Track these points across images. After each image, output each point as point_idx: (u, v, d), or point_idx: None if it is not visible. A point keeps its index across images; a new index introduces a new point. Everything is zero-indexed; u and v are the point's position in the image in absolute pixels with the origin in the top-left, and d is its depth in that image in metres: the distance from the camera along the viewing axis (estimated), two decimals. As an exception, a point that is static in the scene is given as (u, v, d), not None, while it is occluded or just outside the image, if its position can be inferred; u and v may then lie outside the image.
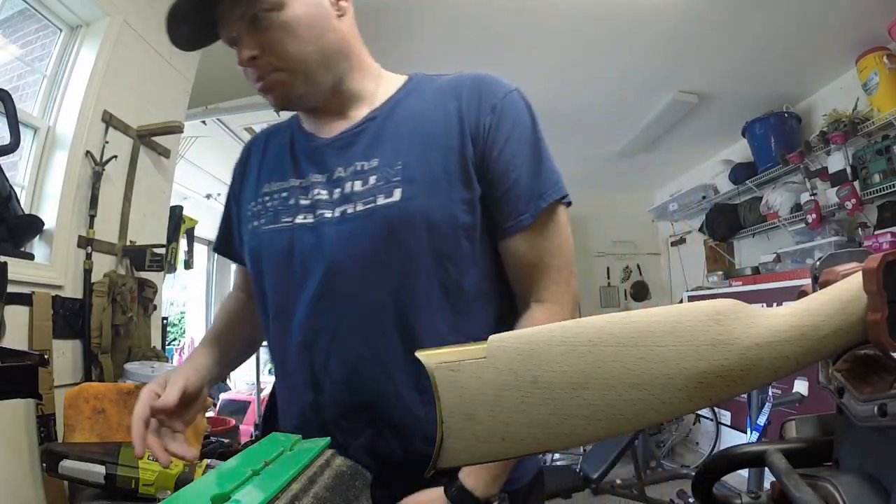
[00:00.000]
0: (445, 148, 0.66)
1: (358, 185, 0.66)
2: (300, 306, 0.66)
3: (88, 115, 1.72)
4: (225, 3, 0.64)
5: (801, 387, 2.35)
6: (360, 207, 0.64)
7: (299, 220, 0.68)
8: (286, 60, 0.66)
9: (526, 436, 0.38)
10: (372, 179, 0.65)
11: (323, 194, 0.67)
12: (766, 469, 0.38)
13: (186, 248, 3.05)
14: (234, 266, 0.90)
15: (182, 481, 1.04)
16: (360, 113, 0.72)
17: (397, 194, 0.63)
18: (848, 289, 0.35)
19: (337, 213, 0.65)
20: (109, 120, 1.80)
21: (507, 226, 0.68)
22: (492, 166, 0.67)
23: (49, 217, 1.62)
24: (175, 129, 2.02)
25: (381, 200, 0.64)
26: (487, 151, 0.67)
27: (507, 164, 0.67)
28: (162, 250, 1.95)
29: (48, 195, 1.66)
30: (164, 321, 2.21)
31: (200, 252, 5.35)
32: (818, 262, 0.41)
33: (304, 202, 0.68)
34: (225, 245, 0.85)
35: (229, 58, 0.71)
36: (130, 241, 1.91)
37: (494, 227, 0.68)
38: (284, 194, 0.71)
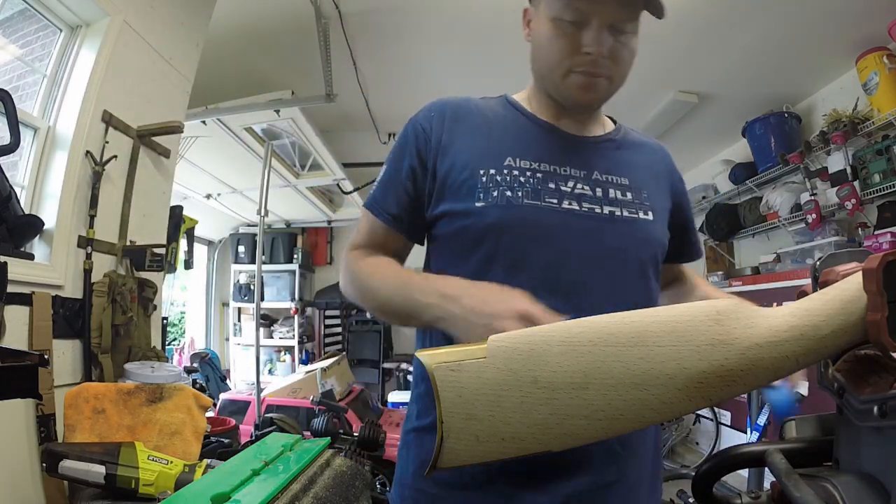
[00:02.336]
0: (663, 192, 0.83)
1: (619, 194, 0.76)
2: (578, 286, 0.70)
3: (88, 115, 1.72)
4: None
5: (801, 387, 2.35)
6: (626, 214, 0.75)
7: (566, 205, 0.72)
8: (616, 79, 0.76)
9: (526, 436, 0.38)
10: (629, 195, 0.77)
11: (585, 189, 0.74)
12: (766, 469, 0.38)
13: (186, 248, 3.05)
14: (367, 232, 0.82)
15: (182, 481, 1.04)
16: (593, 127, 0.83)
17: (651, 215, 0.77)
18: (848, 289, 0.35)
19: (605, 212, 0.74)
20: (109, 120, 1.80)
21: (690, 256, 0.94)
22: (680, 216, 0.87)
23: (49, 217, 1.62)
24: (175, 129, 2.02)
25: (641, 215, 0.76)
26: (679, 205, 0.86)
27: (689, 218, 0.91)
28: (162, 250, 1.95)
29: (48, 195, 1.66)
30: (164, 321, 2.21)
31: (200, 252, 5.36)
32: (818, 262, 0.41)
33: (564, 189, 0.73)
34: (392, 202, 0.78)
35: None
36: (130, 241, 1.91)
37: (675, 254, 0.87)
38: (540, 175, 0.73)
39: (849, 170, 2.82)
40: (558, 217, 0.71)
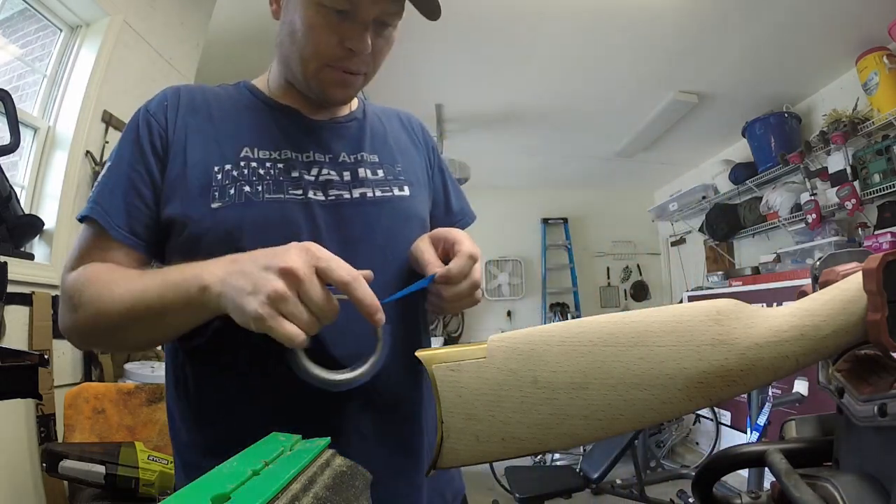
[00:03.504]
0: (417, 161, 0.79)
1: (369, 174, 0.71)
2: None
3: (88, 115, 1.72)
4: None
5: (801, 387, 2.35)
6: (378, 194, 0.70)
7: (311, 195, 0.65)
8: (371, 74, 0.69)
9: (526, 436, 0.38)
10: (380, 172, 0.72)
11: (331, 174, 0.68)
12: (766, 469, 0.38)
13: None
14: (86, 242, 0.64)
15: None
16: (338, 109, 0.75)
17: (407, 190, 0.73)
18: (848, 289, 0.35)
19: (356, 195, 0.68)
20: (109, 120, 1.80)
21: (456, 222, 0.83)
22: (437, 181, 0.83)
23: (49, 217, 1.63)
24: (175, 129, 2.02)
25: (396, 191, 0.71)
26: (433, 166, 0.83)
27: (446, 188, 0.84)
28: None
29: (48, 195, 1.67)
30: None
31: (200, 252, 5.36)
32: (818, 262, 0.41)
33: (308, 177, 0.66)
34: (126, 211, 0.62)
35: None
36: (130, 241, 1.91)
37: (444, 224, 0.78)
38: (281, 165, 0.66)
39: (849, 170, 2.82)
40: (305, 210, 0.64)
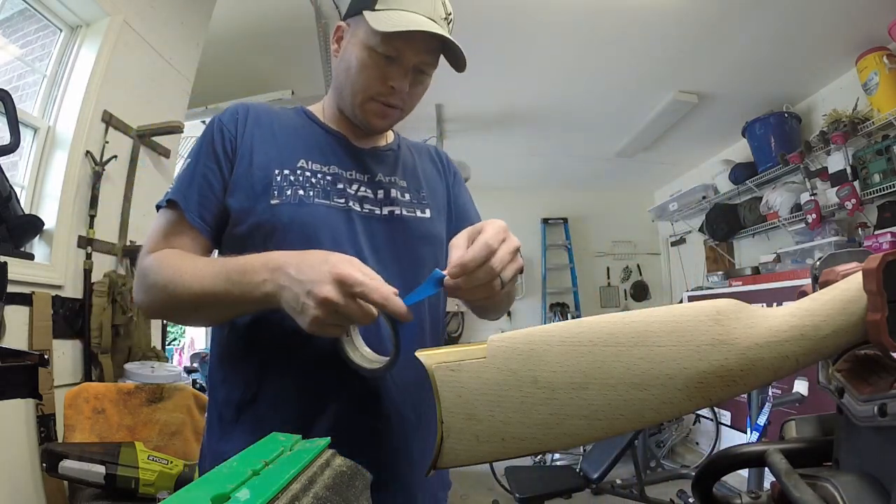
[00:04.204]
0: (440, 190, 0.91)
1: (399, 195, 0.83)
2: None
3: (88, 115, 1.72)
4: (435, 44, 0.77)
5: (801, 387, 2.35)
6: (404, 212, 0.82)
7: (353, 205, 0.78)
8: (407, 111, 0.83)
9: (526, 436, 0.38)
10: (408, 196, 0.84)
11: (367, 192, 0.81)
12: (766, 469, 0.38)
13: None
14: (167, 232, 0.75)
15: (182, 481, 1.04)
16: (377, 140, 0.89)
17: (428, 213, 0.85)
18: (848, 289, 0.35)
19: (385, 212, 0.81)
20: (109, 120, 1.80)
21: None
22: (458, 206, 0.94)
23: (49, 217, 1.62)
24: (175, 129, 2.02)
25: (419, 213, 0.84)
26: (454, 195, 0.94)
27: (465, 206, 0.94)
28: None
29: (48, 195, 1.67)
30: (164, 321, 2.21)
31: (200, 252, 5.36)
32: (818, 262, 0.41)
33: (350, 191, 0.79)
34: (199, 201, 0.74)
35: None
36: (130, 241, 1.91)
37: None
38: (329, 177, 0.78)
39: (849, 170, 2.82)
40: (345, 216, 0.77)
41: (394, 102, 0.79)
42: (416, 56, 0.76)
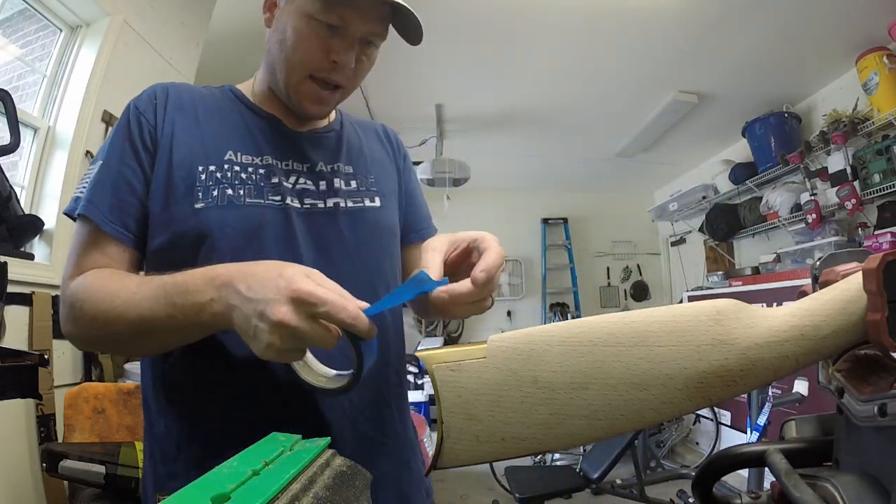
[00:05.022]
0: (390, 173, 0.82)
1: (343, 184, 0.74)
2: None
3: (88, 115, 1.72)
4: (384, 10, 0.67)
5: (801, 387, 2.35)
6: (350, 204, 0.73)
7: (288, 202, 0.68)
8: (349, 90, 0.72)
9: (526, 436, 0.38)
10: (353, 183, 0.75)
11: (308, 184, 0.71)
12: (766, 469, 0.38)
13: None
14: (81, 240, 0.64)
15: (182, 481, 1.04)
16: (318, 121, 0.78)
17: (378, 201, 0.76)
18: (848, 289, 0.35)
19: (329, 204, 0.71)
20: (109, 120, 1.80)
21: (421, 232, 0.86)
22: (407, 193, 0.86)
23: (49, 217, 1.62)
24: (175, 129, 2.02)
25: (367, 202, 0.75)
26: (405, 181, 0.86)
27: (414, 193, 0.87)
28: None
29: (48, 195, 1.67)
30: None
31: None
32: (818, 262, 0.41)
33: (286, 184, 0.69)
34: (118, 206, 0.63)
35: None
36: (130, 241, 1.91)
37: (412, 236, 0.85)
38: (262, 171, 0.68)
39: (849, 170, 2.82)
40: (282, 216, 0.66)
41: (336, 80, 0.68)
42: (363, 25, 0.65)
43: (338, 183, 0.73)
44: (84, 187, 0.65)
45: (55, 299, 1.57)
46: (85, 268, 0.62)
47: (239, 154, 0.68)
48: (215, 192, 0.64)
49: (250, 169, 0.67)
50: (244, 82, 0.77)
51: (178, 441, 0.63)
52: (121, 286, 0.58)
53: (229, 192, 0.65)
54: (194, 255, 0.61)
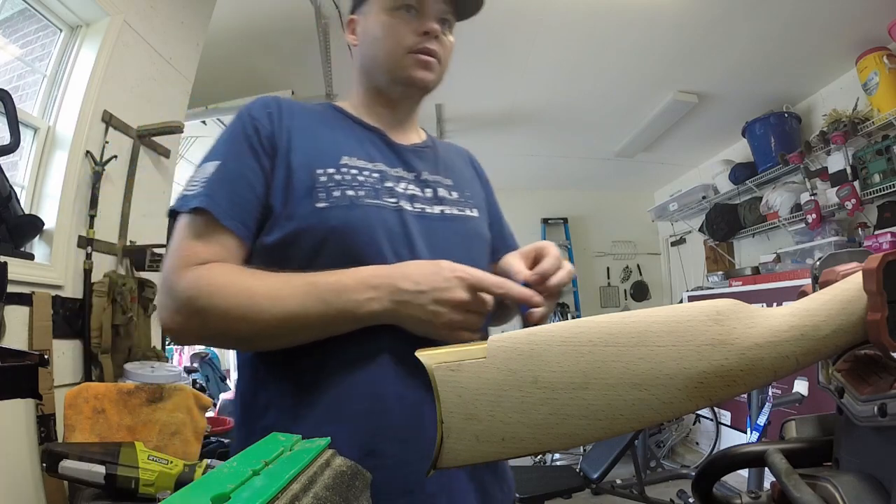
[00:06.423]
0: (479, 192, 0.89)
1: (446, 194, 0.80)
2: None
3: (88, 115, 1.72)
4: None
5: (801, 387, 2.35)
6: (455, 212, 0.79)
7: (404, 204, 0.73)
8: (443, 65, 0.80)
9: (526, 436, 0.38)
10: (454, 193, 0.81)
11: (416, 190, 0.76)
12: (766, 469, 0.38)
13: (186, 248, 3.05)
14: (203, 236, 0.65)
15: (182, 481, 1.04)
16: (413, 136, 0.85)
17: (475, 212, 0.83)
18: (848, 289, 0.35)
19: (437, 210, 0.77)
20: (109, 120, 1.80)
21: (507, 246, 0.92)
22: (493, 212, 0.93)
23: (49, 217, 1.62)
24: (175, 129, 2.02)
25: (468, 212, 0.81)
26: (490, 203, 0.93)
27: (499, 216, 0.95)
28: (162, 250, 1.95)
29: (48, 195, 1.66)
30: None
31: (200, 252, 5.35)
32: (818, 262, 0.41)
33: (398, 189, 0.74)
34: (238, 203, 0.66)
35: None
36: (130, 241, 1.91)
37: (497, 249, 0.89)
38: (376, 175, 0.73)
39: (849, 170, 2.82)
40: (398, 217, 0.71)
41: (432, 48, 0.76)
42: (435, 4, 0.76)
43: (441, 192, 0.79)
44: (196, 185, 0.66)
45: (55, 299, 1.57)
46: (199, 259, 0.63)
47: (353, 159, 0.73)
48: (336, 193, 0.68)
49: (365, 172, 0.72)
50: (341, 101, 0.84)
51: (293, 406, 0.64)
52: (260, 283, 0.61)
53: (349, 192, 0.69)
54: (316, 252, 0.65)
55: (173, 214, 0.68)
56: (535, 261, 0.71)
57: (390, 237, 0.69)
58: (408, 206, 0.73)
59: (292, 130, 0.72)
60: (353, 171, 0.71)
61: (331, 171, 0.69)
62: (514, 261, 0.72)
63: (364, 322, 0.60)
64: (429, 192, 0.77)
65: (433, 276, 0.59)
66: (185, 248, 0.64)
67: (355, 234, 0.67)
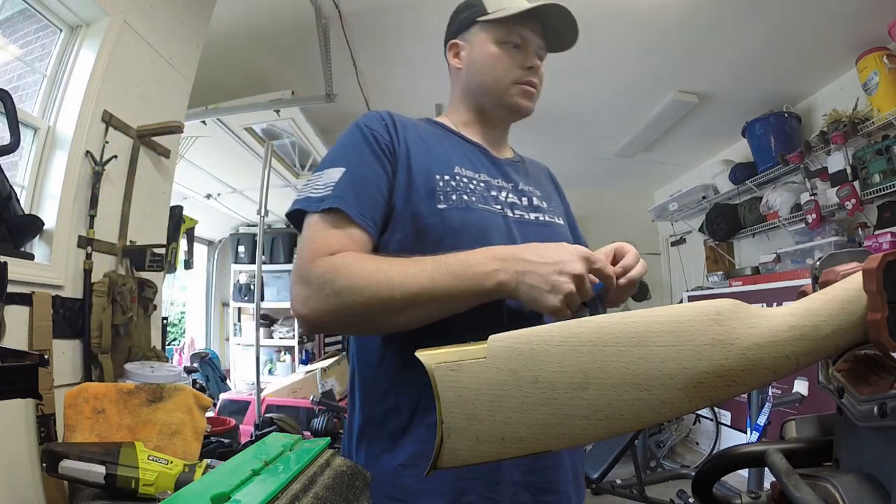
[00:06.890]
0: (560, 205, 0.98)
1: (539, 203, 0.89)
2: None
3: (88, 115, 1.72)
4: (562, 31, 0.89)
5: (801, 387, 2.35)
6: (547, 218, 0.88)
7: (507, 211, 0.82)
8: (539, 91, 0.91)
9: (526, 436, 0.38)
10: (545, 203, 0.90)
11: (515, 199, 0.86)
12: (766, 469, 0.38)
13: (186, 248, 3.05)
14: (331, 230, 0.71)
15: (182, 481, 1.04)
16: (507, 152, 0.97)
17: (562, 221, 0.92)
18: (848, 289, 0.35)
19: (533, 217, 0.86)
20: (109, 120, 1.80)
21: None
22: (571, 225, 0.99)
23: (49, 217, 1.62)
24: (175, 129, 2.02)
25: (557, 220, 0.91)
26: (568, 216, 1.00)
27: (573, 221, 1.02)
28: (162, 250, 1.95)
29: (48, 195, 1.66)
30: (164, 321, 2.21)
31: (200, 252, 5.36)
32: (818, 262, 0.41)
33: (501, 197, 0.83)
34: (367, 203, 0.72)
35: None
36: (130, 241, 1.91)
37: None
38: (483, 184, 0.82)
39: (849, 170, 2.82)
40: (503, 221, 0.80)
41: (535, 81, 0.87)
42: (535, 40, 0.86)
43: (535, 201, 0.88)
44: (322, 188, 0.73)
45: (55, 299, 1.56)
46: (332, 250, 0.69)
47: (464, 168, 0.82)
48: (454, 197, 0.77)
49: (475, 181, 0.81)
50: (439, 117, 0.94)
51: (411, 412, 0.71)
52: (391, 263, 0.66)
53: (465, 197, 0.77)
54: (436, 248, 0.70)
55: (298, 216, 0.74)
56: (615, 258, 0.77)
57: (500, 239, 0.76)
58: (510, 213, 0.82)
59: (408, 139, 0.80)
60: (465, 179, 0.80)
61: (447, 177, 0.78)
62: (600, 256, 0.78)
63: (490, 295, 0.64)
64: (525, 201, 0.87)
65: (558, 249, 0.64)
66: (319, 240, 0.70)
67: (471, 234, 0.74)
